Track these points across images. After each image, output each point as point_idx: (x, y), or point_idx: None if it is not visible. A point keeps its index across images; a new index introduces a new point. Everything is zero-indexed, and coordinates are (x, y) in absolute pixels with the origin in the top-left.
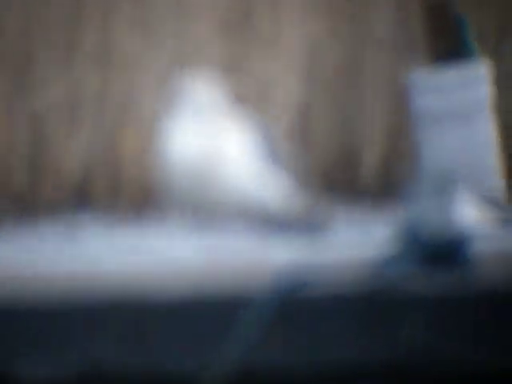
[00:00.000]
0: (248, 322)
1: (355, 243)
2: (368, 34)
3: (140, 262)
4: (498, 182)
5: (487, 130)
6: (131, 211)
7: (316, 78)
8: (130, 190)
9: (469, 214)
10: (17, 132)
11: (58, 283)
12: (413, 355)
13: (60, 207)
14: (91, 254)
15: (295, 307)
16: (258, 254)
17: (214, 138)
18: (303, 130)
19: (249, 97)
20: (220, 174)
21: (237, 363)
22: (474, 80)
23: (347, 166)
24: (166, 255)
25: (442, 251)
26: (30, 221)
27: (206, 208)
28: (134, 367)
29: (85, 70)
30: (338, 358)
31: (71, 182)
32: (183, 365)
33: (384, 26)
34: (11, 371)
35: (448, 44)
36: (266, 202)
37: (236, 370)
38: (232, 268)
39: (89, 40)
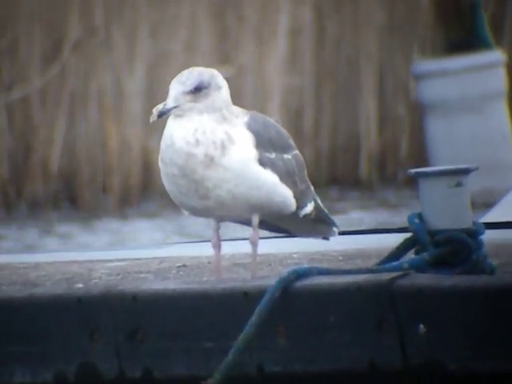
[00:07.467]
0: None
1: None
2: (369, 19)
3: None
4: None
5: (501, 121)
6: (116, 203)
7: (315, 66)
8: (115, 183)
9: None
10: (0, 123)
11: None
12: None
13: (43, 199)
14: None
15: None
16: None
17: (210, 128)
18: (299, 118)
19: (244, 86)
20: (216, 164)
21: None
22: (488, 69)
23: (346, 153)
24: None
25: (452, 243)
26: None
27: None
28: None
29: (70, 60)
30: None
31: (55, 174)
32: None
33: (389, 11)
34: None
35: (460, 32)
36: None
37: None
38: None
39: (74, 30)
